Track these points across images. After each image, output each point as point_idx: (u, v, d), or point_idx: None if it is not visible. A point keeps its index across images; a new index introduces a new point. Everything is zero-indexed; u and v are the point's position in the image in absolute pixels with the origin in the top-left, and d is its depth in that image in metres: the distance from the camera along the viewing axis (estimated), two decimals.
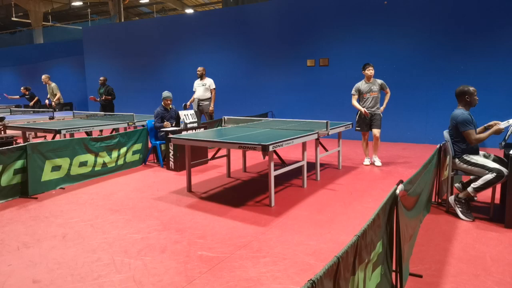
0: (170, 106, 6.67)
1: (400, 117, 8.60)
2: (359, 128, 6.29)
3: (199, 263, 2.93)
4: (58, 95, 10.40)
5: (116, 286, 2.61)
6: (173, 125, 6.65)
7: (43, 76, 10.38)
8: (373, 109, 6.18)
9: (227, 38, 10.94)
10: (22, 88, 12.35)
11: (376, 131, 6.18)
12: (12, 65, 18.75)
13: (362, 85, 6.21)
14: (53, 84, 10.38)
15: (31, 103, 12.05)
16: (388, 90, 6.25)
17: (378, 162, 6.32)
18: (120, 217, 4.01)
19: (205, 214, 4.05)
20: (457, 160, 3.95)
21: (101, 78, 9.83)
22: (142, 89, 12.92)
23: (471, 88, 3.91)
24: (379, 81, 6.22)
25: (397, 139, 8.69)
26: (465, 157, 3.89)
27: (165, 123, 6.48)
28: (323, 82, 9.51)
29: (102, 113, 8.89)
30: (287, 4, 9.88)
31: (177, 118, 6.57)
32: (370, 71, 6.09)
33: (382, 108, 6.23)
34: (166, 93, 6.68)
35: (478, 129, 4.09)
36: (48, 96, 10.60)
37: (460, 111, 3.90)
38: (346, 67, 9.13)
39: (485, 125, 4.05)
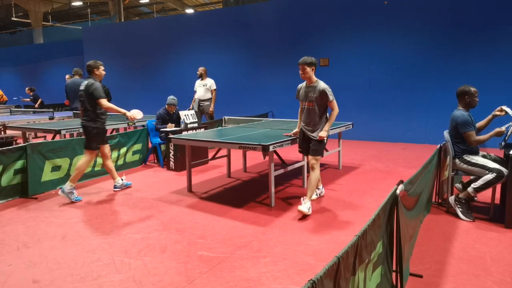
0: (174, 111, 6.63)
1: (400, 117, 8.60)
2: (300, 149, 4.33)
3: (199, 263, 2.93)
4: None
5: (116, 286, 2.61)
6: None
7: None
8: (308, 128, 4.10)
9: (227, 38, 10.94)
10: (26, 88, 12.28)
11: (310, 158, 4.06)
12: (12, 65, 18.75)
13: (302, 88, 4.21)
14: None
15: (36, 105, 11.91)
16: (333, 104, 3.97)
17: (303, 207, 3.84)
18: (120, 217, 4.01)
19: (205, 214, 4.05)
20: (457, 160, 3.95)
21: None
22: (142, 89, 12.91)
23: (472, 89, 3.88)
24: (322, 85, 3.99)
25: (397, 139, 8.69)
26: (465, 157, 3.89)
27: (169, 124, 6.47)
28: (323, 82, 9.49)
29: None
30: (287, 4, 9.88)
31: (178, 118, 6.56)
32: (300, 71, 4.02)
33: (322, 133, 4.00)
34: (171, 100, 6.50)
35: (482, 121, 4.08)
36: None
37: (460, 112, 3.89)
38: (346, 67, 9.12)
39: (492, 112, 3.97)
